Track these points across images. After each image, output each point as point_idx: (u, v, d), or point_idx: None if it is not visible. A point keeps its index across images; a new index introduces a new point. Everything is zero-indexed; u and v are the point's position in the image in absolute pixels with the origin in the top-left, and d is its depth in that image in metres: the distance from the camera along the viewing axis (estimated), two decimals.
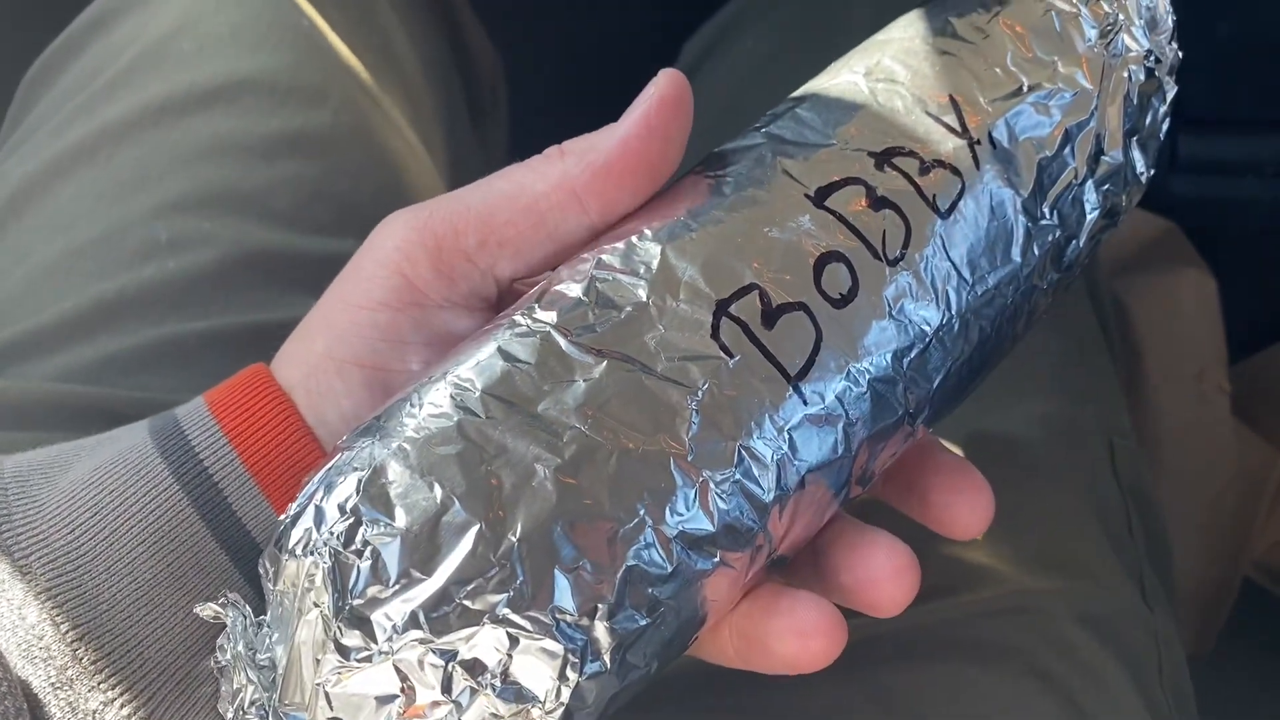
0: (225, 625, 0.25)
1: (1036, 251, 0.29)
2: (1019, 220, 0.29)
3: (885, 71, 0.30)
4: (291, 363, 0.29)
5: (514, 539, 0.23)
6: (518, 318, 0.26)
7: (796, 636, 0.26)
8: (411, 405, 0.25)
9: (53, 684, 0.26)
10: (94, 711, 0.26)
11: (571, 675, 0.23)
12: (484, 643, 0.23)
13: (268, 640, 0.25)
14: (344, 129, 0.45)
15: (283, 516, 0.25)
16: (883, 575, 0.27)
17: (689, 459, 0.25)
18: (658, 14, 0.74)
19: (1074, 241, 0.31)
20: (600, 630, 0.23)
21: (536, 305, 0.26)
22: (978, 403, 0.41)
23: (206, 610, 0.25)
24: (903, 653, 0.37)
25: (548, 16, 0.80)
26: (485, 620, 0.23)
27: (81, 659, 0.26)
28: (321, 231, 0.42)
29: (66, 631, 0.26)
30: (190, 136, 0.43)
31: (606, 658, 0.23)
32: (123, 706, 0.26)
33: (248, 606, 0.25)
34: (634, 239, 0.27)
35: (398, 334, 0.28)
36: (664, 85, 0.28)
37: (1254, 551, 0.77)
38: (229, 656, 0.25)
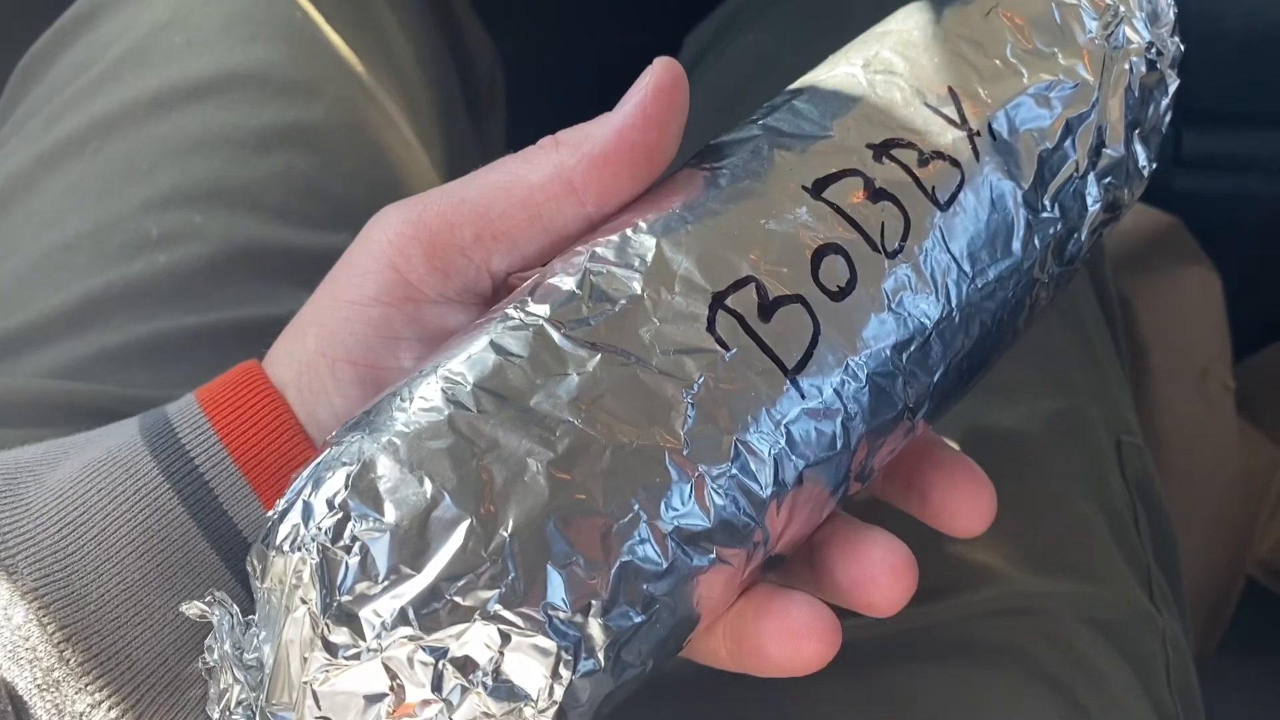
0: (213, 625, 0.25)
1: (1038, 244, 0.29)
2: (1020, 213, 0.29)
3: (883, 63, 0.30)
4: (283, 361, 0.29)
5: (505, 534, 0.23)
6: (510, 311, 0.25)
7: (789, 638, 0.26)
8: (402, 399, 0.24)
9: (39, 685, 0.26)
10: (81, 714, 0.26)
11: (565, 673, 0.23)
12: (475, 640, 0.22)
13: (255, 639, 0.24)
14: (337, 123, 0.44)
15: (270, 513, 0.24)
16: (879, 574, 0.27)
17: (684, 453, 0.24)
18: (659, 9, 0.74)
19: (1075, 234, 0.30)
20: (594, 627, 0.23)
21: (529, 298, 0.25)
22: (984, 399, 0.41)
23: (193, 609, 0.25)
24: (906, 654, 0.37)
25: (548, 13, 0.80)
26: (476, 617, 0.22)
27: (69, 660, 0.26)
28: (314, 226, 0.42)
29: (54, 632, 0.26)
30: (180, 130, 0.42)
31: (600, 655, 0.23)
32: (110, 709, 0.26)
33: (235, 605, 0.25)
34: (628, 231, 0.26)
35: (390, 330, 0.28)
36: (659, 72, 0.27)
37: (1258, 551, 0.77)
38: (216, 656, 0.24)
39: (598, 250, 0.26)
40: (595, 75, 0.78)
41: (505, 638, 0.22)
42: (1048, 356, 0.43)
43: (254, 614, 0.25)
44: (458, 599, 0.22)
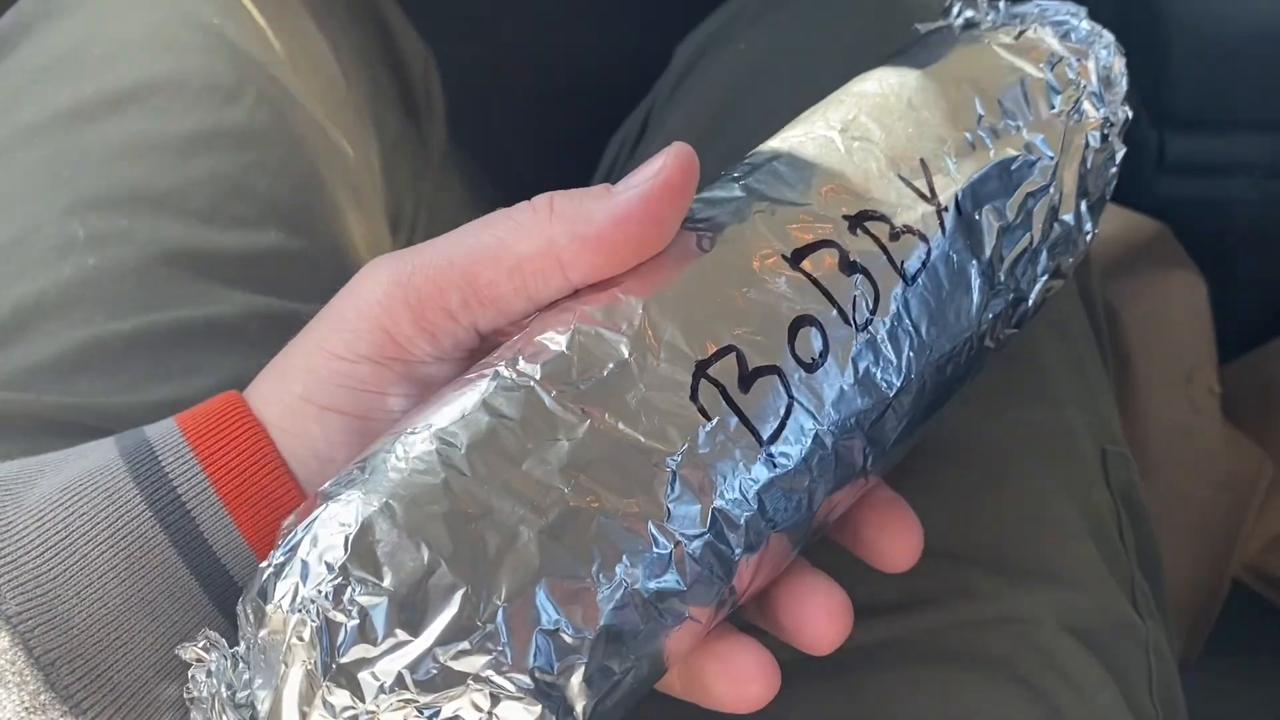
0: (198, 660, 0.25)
1: (990, 315, 0.30)
2: (976, 285, 0.30)
3: (861, 130, 0.31)
4: (268, 401, 0.29)
5: (498, 602, 0.23)
6: (501, 369, 0.26)
7: (732, 682, 0.27)
8: (396, 458, 0.25)
9: (27, 709, 0.26)
10: None
11: None
12: (466, 702, 0.23)
13: (245, 678, 0.25)
14: (260, 125, 0.44)
15: (265, 564, 0.25)
16: (819, 618, 0.28)
17: (665, 522, 0.25)
18: (600, 5, 0.74)
19: (1023, 304, 0.32)
20: (576, 688, 0.24)
21: (520, 357, 0.26)
22: (969, 409, 0.41)
23: (189, 653, 0.25)
24: (887, 661, 0.37)
25: (483, 12, 0.80)
26: (469, 681, 0.23)
27: (55, 684, 0.26)
28: (243, 226, 0.42)
29: (40, 656, 0.26)
30: (103, 138, 0.42)
31: (579, 712, 0.24)
32: None
33: (226, 645, 0.25)
34: (617, 292, 0.27)
35: (379, 385, 0.28)
36: (672, 164, 0.27)
37: (1244, 554, 0.77)
38: (205, 693, 0.25)
39: (586, 309, 0.27)
40: (536, 73, 0.78)
41: (495, 699, 0.23)
42: (1033, 365, 0.43)
43: (238, 645, 0.25)
44: (452, 664, 0.23)
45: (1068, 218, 0.32)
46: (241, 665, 0.25)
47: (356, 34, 0.55)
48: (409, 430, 0.25)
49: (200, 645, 0.25)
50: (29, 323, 0.38)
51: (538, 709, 0.23)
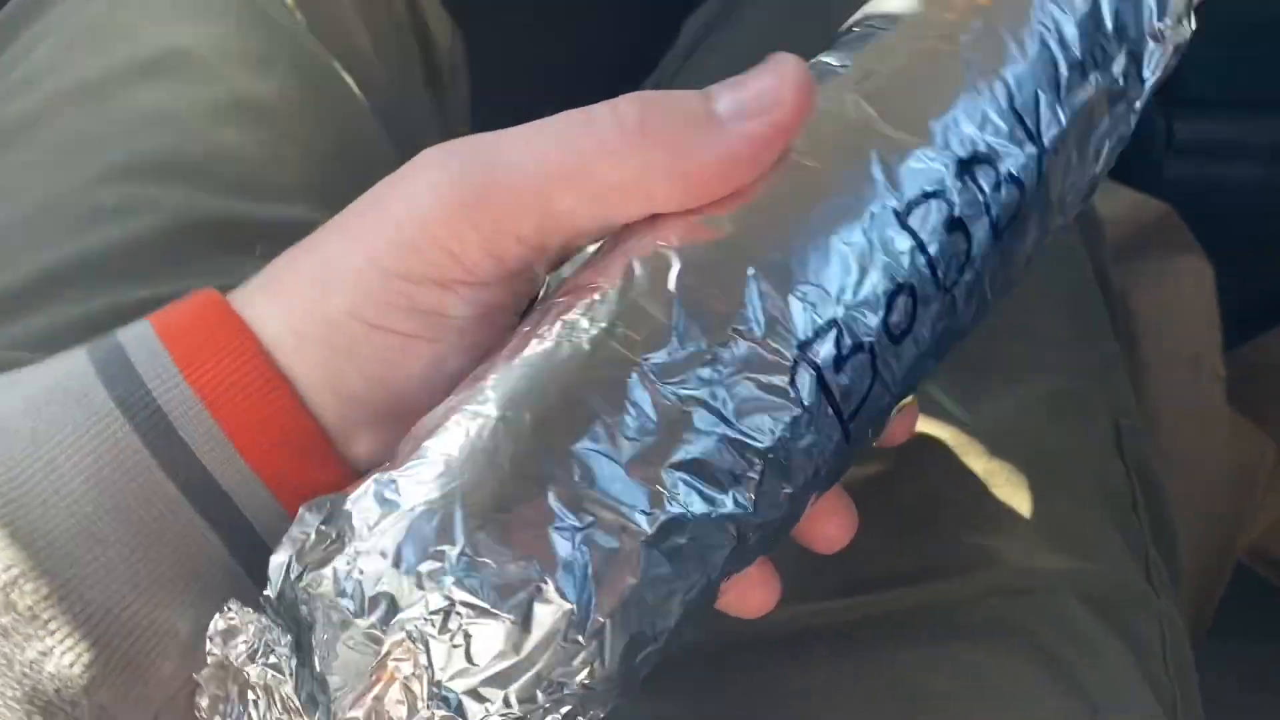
0: (223, 621, 0.24)
1: (1043, 244, 0.30)
2: (1040, 238, 0.29)
3: (984, 46, 0.28)
4: (294, 311, 0.26)
5: (601, 619, 0.23)
6: (577, 319, 0.25)
7: (735, 586, 0.27)
8: (492, 458, 0.23)
9: None
10: (31, 662, 0.24)
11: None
12: (565, 713, 0.23)
13: (313, 682, 0.24)
14: (290, 96, 0.43)
15: (344, 559, 0.23)
16: (817, 515, 0.28)
17: (752, 515, 0.25)
18: None
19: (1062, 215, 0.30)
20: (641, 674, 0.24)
21: (620, 324, 0.24)
22: (984, 382, 0.41)
23: (219, 623, 0.24)
24: (904, 632, 0.37)
25: None
26: (568, 698, 0.23)
27: (16, 604, 0.24)
28: (270, 198, 0.41)
29: (2, 573, 0.24)
30: (133, 105, 0.41)
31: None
32: (64, 654, 0.24)
33: (283, 634, 0.24)
34: (720, 252, 0.25)
35: (439, 307, 0.26)
36: (791, 103, 0.25)
37: (1248, 537, 0.77)
38: (258, 681, 0.24)
39: (688, 280, 0.25)
40: (563, 48, 0.78)
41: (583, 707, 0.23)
42: (1048, 339, 0.43)
43: (287, 634, 0.24)
44: (556, 681, 0.23)
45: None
46: (307, 671, 0.24)
47: (385, 8, 0.55)
48: (498, 415, 0.24)
49: (227, 615, 0.24)
50: (52, 289, 0.38)
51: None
